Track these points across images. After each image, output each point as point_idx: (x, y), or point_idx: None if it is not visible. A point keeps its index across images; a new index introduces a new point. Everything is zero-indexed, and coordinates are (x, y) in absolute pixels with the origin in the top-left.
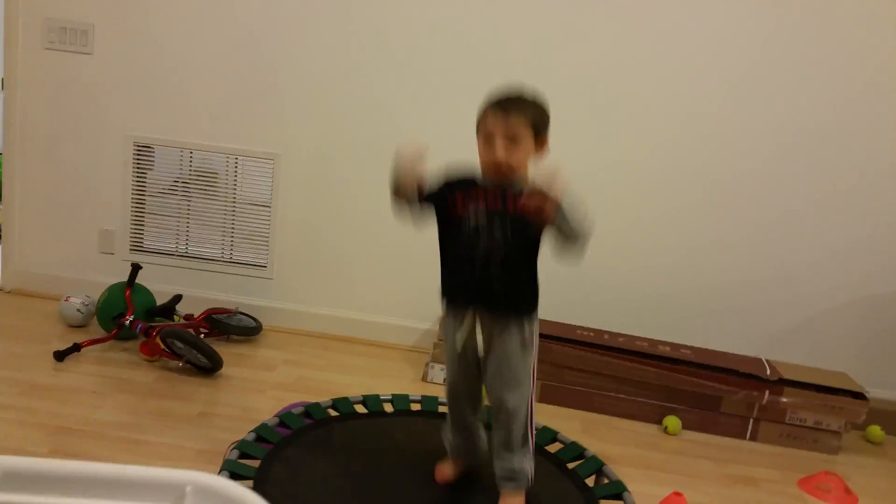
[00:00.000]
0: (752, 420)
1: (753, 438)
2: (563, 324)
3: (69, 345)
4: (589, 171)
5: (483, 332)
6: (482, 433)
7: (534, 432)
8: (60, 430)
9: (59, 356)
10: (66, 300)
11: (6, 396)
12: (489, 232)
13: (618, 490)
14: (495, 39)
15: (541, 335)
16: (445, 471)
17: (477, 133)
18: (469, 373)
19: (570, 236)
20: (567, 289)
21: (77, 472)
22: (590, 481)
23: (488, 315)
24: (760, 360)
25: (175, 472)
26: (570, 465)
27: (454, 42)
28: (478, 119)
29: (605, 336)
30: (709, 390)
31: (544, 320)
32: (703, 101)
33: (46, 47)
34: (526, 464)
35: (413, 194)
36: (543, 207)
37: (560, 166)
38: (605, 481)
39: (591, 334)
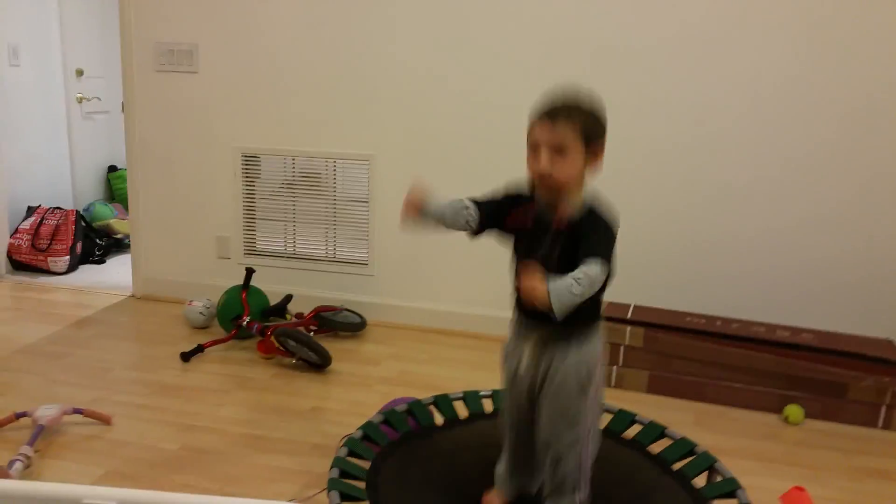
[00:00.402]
0: (884, 407)
1: (886, 427)
2: (671, 311)
3: (194, 346)
4: (694, 152)
5: (544, 358)
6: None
7: (587, 480)
8: (189, 427)
9: (185, 357)
10: (190, 304)
11: (141, 396)
12: (538, 246)
13: (731, 488)
14: (585, 28)
15: (647, 323)
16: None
17: (527, 143)
18: (527, 401)
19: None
20: (674, 273)
21: (178, 502)
22: (702, 478)
23: (545, 332)
24: (891, 341)
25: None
26: (680, 463)
27: (538, 37)
28: (527, 128)
29: (718, 322)
30: (833, 376)
31: (650, 307)
32: (823, 72)
33: (157, 70)
34: None
35: (415, 218)
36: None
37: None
38: (718, 479)
39: (703, 321)
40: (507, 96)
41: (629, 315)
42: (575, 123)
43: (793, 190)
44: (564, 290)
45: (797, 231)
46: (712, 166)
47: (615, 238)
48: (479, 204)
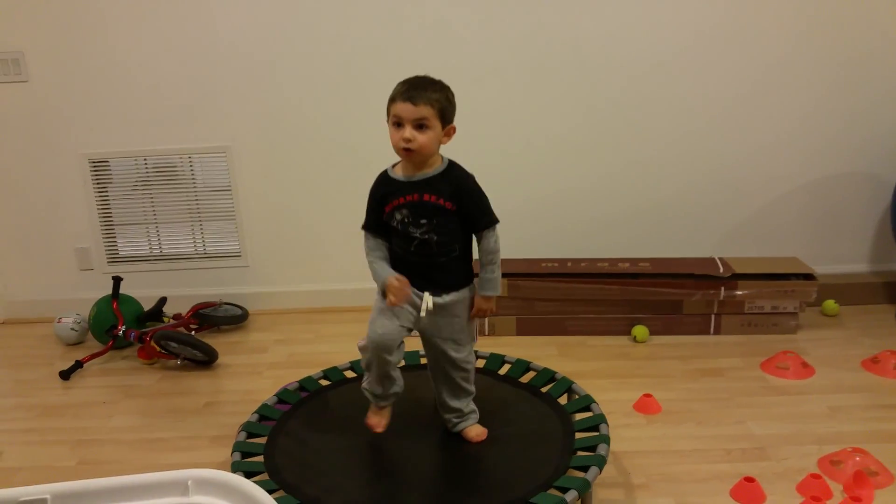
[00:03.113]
0: (713, 316)
1: (717, 332)
2: (529, 259)
3: (71, 363)
4: (530, 113)
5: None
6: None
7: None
8: (82, 442)
9: (65, 375)
10: (59, 321)
11: (25, 421)
12: (416, 222)
13: (586, 403)
14: (430, 20)
15: (509, 274)
16: (380, 421)
17: (388, 118)
18: (404, 327)
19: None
20: (527, 225)
21: (101, 487)
22: (564, 398)
23: (437, 291)
24: (714, 259)
25: (176, 472)
26: (546, 388)
27: (388, 20)
28: (388, 104)
29: (569, 264)
30: (669, 296)
31: (509, 259)
32: (625, 25)
33: None
34: (472, 403)
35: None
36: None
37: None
38: (576, 397)
39: (556, 264)
40: (359, 77)
41: None
42: (433, 104)
43: (618, 142)
44: (497, 280)
45: (625, 177)
46: (550, 125)
47: (482, 190)
48: (374, 228)
